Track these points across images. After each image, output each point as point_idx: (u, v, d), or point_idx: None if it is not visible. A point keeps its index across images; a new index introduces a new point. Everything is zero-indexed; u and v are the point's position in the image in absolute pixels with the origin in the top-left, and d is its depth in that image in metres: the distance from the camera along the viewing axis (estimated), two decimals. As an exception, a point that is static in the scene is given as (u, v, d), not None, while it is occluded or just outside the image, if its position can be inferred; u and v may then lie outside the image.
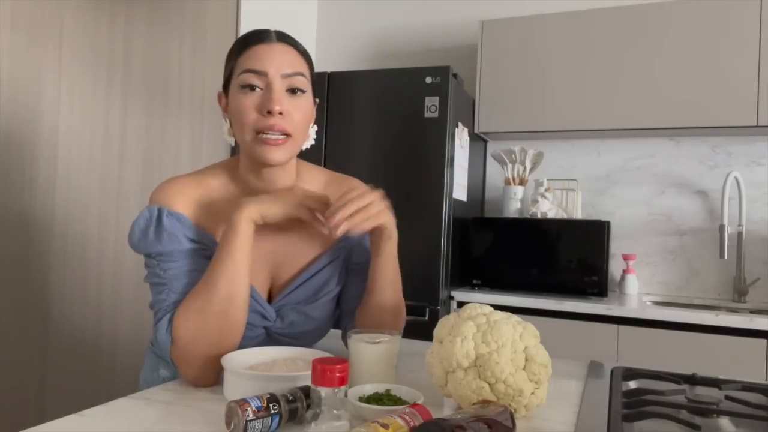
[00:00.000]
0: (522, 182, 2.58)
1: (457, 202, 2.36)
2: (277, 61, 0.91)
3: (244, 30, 2.55)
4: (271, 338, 0.99)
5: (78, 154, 1.83)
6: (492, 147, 2.77)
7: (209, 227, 0.95)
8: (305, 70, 0.95)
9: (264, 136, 0.90)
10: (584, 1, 2.59)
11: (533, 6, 2.66)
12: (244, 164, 0.98)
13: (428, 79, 2.23)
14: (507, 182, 2.60)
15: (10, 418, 1.62)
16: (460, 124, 2.34)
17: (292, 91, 0.92)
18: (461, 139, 2.36)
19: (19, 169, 1.66)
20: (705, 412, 0.79)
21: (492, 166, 2.78)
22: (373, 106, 2.31)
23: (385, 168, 2.29)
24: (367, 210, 0.88)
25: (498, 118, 2.50)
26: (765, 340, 1.86)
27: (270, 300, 1.00)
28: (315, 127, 1.02)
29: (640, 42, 2.30)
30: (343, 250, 1.04)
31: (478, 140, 2.66)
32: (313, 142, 1.02)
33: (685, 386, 0.93)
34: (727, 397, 0.87)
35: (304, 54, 0.97)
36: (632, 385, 0.95)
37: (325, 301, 1.01)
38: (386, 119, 2.29)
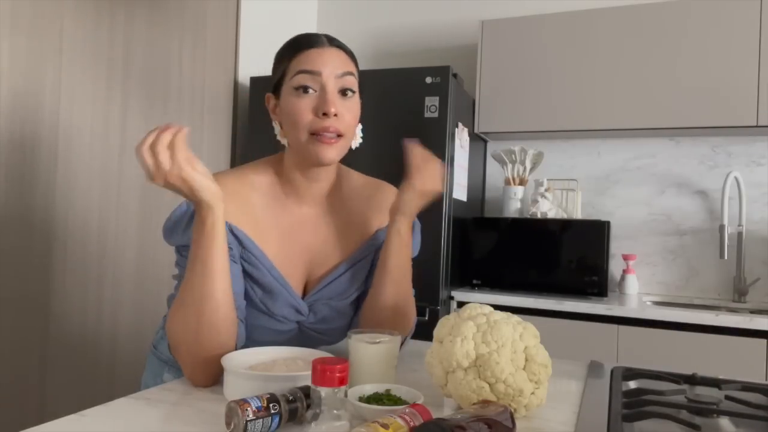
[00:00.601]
0: (522, 182, 2.58)
1: (457, 202, 2.35)
2: (330, 63, 0.95)
3: (244, 30, 2.55)
4: (302, 333, 1.01)
5: (78, 154, 1.83)
6: (492, 147, 2.77)
7: (247, 227, 0.96)
8: (354, 70, 0.99)
9: (319, 135, 0.93)
10: (584, 1, 2.59)
11: (533, 6, 2.66)
12: (290, 162, 1.00)
13: (428, 79, 2.22)
14: (507, 182, 2.60)
15: (10, 418, 1.62)
16: (460, 124, 2.34)
17: (344, 92, 0.96)
18: (461, 139, 2.36)
19: (20, 168, 1.66)
20: (705, 412, 0.79)
21: (492, 166, 2.78)
22: (373, 106, 2.31)
23: (385, 168, 2.28)
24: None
25: (498, 118, 2.50)
26: (765, 340, 1.86)
27: (304, 294, 1.02)
28: (360, 126, 1.04)
29: (640, 42, 2.30)
30: (373, 247, 1.06)
31: (478, 140, 2.65)
32: (361, 141, 1.05)
33: (685, 386, 0.93)
34: (727, 397, 0.87)
35: (352, 56, 1.01)
36: (632, 385, 0.95)
37: (355, 298, 1.05)
38: (386, 119, 2.29)
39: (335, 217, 1.05)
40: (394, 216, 1.01)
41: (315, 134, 0.93)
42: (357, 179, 1.11)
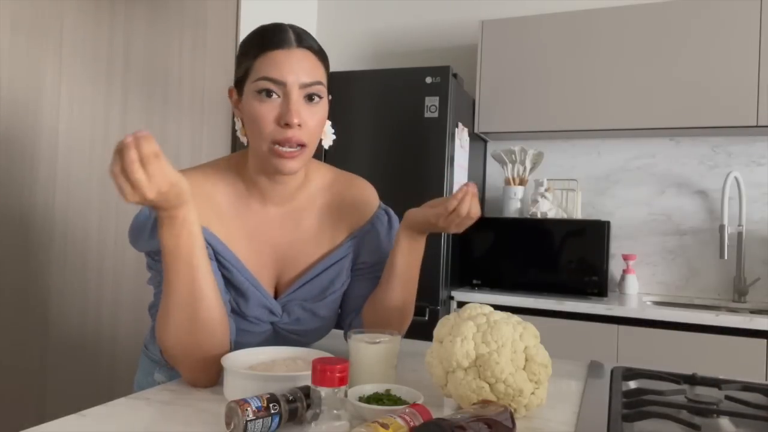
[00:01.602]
0: (522, 182, 2.58)
1: (457, 202, 2.35)
2: (296, 70, 0.89)
3: (244, 30, 2.55)
4: (277, 333, 1.00)
5: (78, 153, 1.83)
6: (492, 147, 2.77)
7: (212, 225, 0.93)
8: (323, 76, 0.94)
9: (280, 148, 0.88)
10: (584, 1, 2.59)
11: (533, 6, 2.66)
12: (254, 164, 0.96)
13: (428, 79, 2.22)
14: (507, 182, 2.60)
15: (10, 418, 1.62)
16: (460, 124, 2.34)
17: (309, 97, 0.91)
18: (461, 139, 2.36)
19: (20, 168, 1.66)
20: (705, 412, 0.79)
21: (492, 166, 2.78)
22: (373, 106, 2.31)
23: (385, 168, 2.29)
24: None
25: (498, 118, 2.50)
26: (765, 340, 1.86)
27: (277, 295, 1.00)
28: (329, 122, 1.00)
29: (640, 42, 2.30)
30: (350, 250, 1.04)
31: (478, 140, 2.65)
32: (334, 137, 1.01)
33: (685, 386, 0.93)
34: (727, 397, 0.87)
35: (322, 56, 0.95)
36: (632, 385, 0.95)
37: (331, 300, 1.02)
38: (386, 119, 2.29)
39: (305, 216, 1.01)
40: (397, 240, 0.99)
41: (276, 144, 0.88)
42: (326, 175, 1.06)
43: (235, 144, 2.56)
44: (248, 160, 0.97)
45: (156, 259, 0.92)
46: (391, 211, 1.09)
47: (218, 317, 0.85)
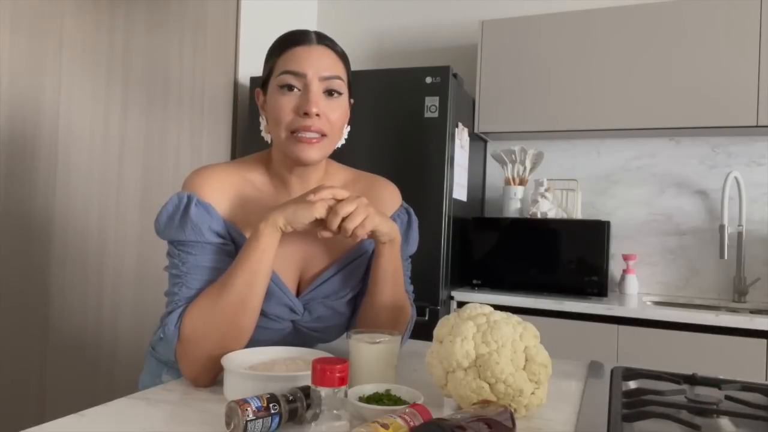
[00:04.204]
0: (522, 182, 2.58)
1: (457, 202, 2.35)
2: (315, 64, 0.93)
3: (244, 30, 2.55)
4: (297, 331, 1.01)
5: (78, 153, 1.83)
6: (492, 147, 2.77)
7: (239, 222, 0.95)
8: (342, 72, 0.97)
9: (299, 134, 0.92)
10: (584, 1, 2.59)
11: (533, 6, 2.66)
12: (277, 160, 0.99)
13: (428, 79, 2.22)
14: (507, 182, 2.60)
15: (10, 418, 1.62)
16: (460, 124, 2.34)
17: (329, 93, 0.94)
18: (461, 139, 2.36)
19: (19, 169, 1.66)
20: (705, 412, 0.79)
21: (492, 166, 2.78)
22: (373, 106, 2.31)
23: (385, 168, 2.28)
24: (352, 219, 0.88)
25: (498, 118, 2.50)
26: (765, 340, 1.86)
27: (298, 293, 1.01)
28: (348, 128, 1.03)
29: (640, 42, 2.30)
30: (370, 246, 1.04)
31: (478, 140, 2.65)
32: (344, 141, 1.03)
33: (685, 386, 0.93)
34: (727, 397, 0.87)
35: (342, 56, 0.99)
36: (632, 385, 0.95)
37: (351, 297, 1.03)
38: (386, 119, 2.29)
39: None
40: (377, 249, 0.98)
41: (295, 132, 0.92)
42: (347, 175, 1.09)
43: (236, 144, 2.56)
44: (273, 158, 1.00)
45: (179, 249, 0.93)
46: (412, 212, 1.10)
47: (251, 324, 0.89)
